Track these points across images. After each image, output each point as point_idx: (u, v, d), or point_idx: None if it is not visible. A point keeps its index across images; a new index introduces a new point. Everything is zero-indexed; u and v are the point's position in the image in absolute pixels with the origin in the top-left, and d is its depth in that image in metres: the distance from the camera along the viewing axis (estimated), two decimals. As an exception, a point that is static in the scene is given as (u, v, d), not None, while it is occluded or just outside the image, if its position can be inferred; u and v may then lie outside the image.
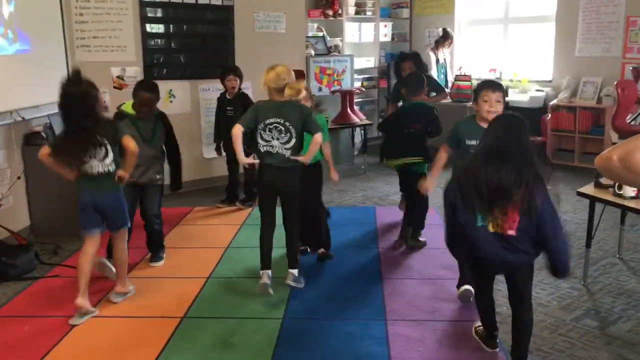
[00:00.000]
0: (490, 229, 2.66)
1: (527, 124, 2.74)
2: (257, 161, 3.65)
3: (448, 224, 2.80)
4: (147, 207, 4.19)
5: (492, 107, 3.36)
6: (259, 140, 3.59)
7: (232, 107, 5.51)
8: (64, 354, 3.13)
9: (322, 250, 4.34)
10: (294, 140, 3.56)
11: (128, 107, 4.05)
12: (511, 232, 2.64)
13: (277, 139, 3.55)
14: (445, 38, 8.05)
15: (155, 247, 4.35)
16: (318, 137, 3.56)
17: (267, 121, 3.55)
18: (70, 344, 3.22)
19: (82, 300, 3.46)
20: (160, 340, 3.23)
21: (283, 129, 3.55)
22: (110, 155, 3.42)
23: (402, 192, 5.01)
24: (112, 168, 3.45)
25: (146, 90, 4.01)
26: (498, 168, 2.56)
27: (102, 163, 3.40)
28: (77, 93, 3.28)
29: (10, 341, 3.26)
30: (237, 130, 3.55)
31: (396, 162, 4.47)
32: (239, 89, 5.55)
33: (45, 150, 3.39)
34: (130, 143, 3.45)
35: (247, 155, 3.66)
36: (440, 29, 8.11)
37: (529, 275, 2.86)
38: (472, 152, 2.99)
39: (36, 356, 3.08)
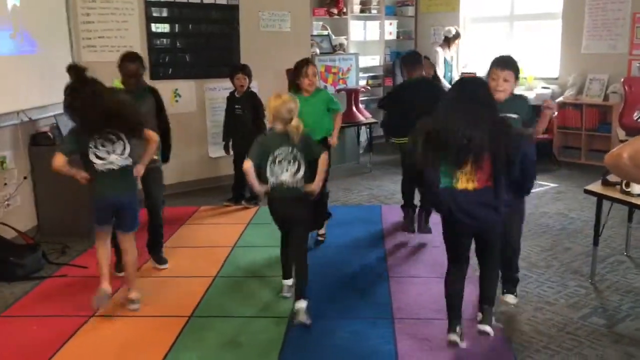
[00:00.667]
0: (459, 186, 2.75)
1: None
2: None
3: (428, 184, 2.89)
4: (151, 193, 4.08)
5: (499, 86, 3.21)
6: (268, 174, 3.46)
7: (240, 106, 5.54)
8: (72, 353, 3.14)
9: (322, 232, 4.54)
10: (302, 169, 3.45)
11: (117, 83, 4.07)
12: (479, 185, 2.77)
13: (287, 170, 3.42)
14: (456, 37, 8.04)
15: (159, 247, 4.27)
16: (324, 157, 3.55)
17: (276, 152, 3.43)
18: (78, 344, 3.23)
19: (106, 284, 3.53)
20: (167, 339, 3.24)
21: (291, 158, 3.43)
22: (128, 148, 3.40)
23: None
24: (130, 162, 3.43)
25: (130, 61, 3.97)
26: (468, 125, 2.66)
27: (121, 157, 3.38)
28: (90, 93, 3.25)
29: (19, 340, 3.28)
30: (248, 165, 3.44)
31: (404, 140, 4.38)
32: (248, 87, 5.55)
33: (61, 160, 3.27)
34: (151, 133, 3.49)
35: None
36: (453, 28, 8.08)
37: (499, 235, 3.00)
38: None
39: (45, 355, 3.09)
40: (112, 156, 3.35)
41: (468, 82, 3.12)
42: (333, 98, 4.53)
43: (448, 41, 8.02)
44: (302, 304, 3.39)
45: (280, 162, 3.42)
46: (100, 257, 3.56)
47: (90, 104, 3.22)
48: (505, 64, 3.29)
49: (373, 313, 3.51)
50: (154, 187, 4.08)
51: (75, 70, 3.32)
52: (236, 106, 5.57)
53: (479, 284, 3.16)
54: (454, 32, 8.02)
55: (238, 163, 5.63)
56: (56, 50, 5.15)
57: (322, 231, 4.66)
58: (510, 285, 3.54)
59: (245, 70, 5.56)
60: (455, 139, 2.66)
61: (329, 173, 4.09)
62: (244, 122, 5.47)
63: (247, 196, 5.72)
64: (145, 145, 3.53)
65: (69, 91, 3.29)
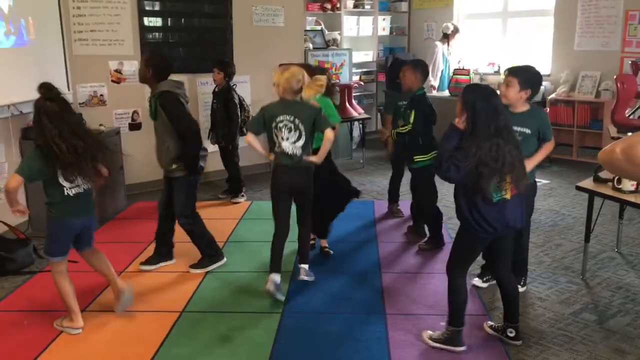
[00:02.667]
0: (507, 195, 2.84)
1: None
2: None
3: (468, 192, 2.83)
4: (172, 203, 3.99)
5: (501, 91, 3.27)
6: (274, 140, 3.54)
7: (216, 100, 5.63)
8: (63, 348, 3.13)
9: (325, 246, 4.36)
10: (303, 138, 3.48)
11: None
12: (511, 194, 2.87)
13: (287, 138, 3.47)
14: (455, 32, 8.07)
15: (200, 253, 4.12)
16: (329, 133, 3.52)
17: (278, 119, 3.49)
18: (69, 338, 3.22)
19: (81, 320, 3.33)
20: (159, 334, 3.23)
21: (292, 126, 3.47)
22: None
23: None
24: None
25: (142, 61, 4.04)
26: (505, 144, 2.76)
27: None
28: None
29: (10, 335, 3.26)
30: (250, 137, 3.58)
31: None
32: (226, 82, 5.54)
33: (18, 182, 3.03)
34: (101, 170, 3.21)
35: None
36: (451, 24, 8.10)
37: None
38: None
39: (35, 350, 3.08)
40: (79, 179, 3.13)
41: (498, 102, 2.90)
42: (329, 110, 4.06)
43: (447, 37, 8.04)
44: (305, 265, 3.79)
45: (280, 129, 3.51)
46: (68, 291, 3.26)
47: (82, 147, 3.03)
48: (511, 70, 3.38)
49: (365, 309, 3.51)
50: (174, 197, 3.95)
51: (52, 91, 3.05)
52: (213, 100, 5.68)
53: (507, 299, 3.11)
54: (452, 28, 8.04)
55: (221, 155, 5.77)
56: (48, 43, 5.11)
57: (325, 243, 4.39)
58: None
59: (221, 66, 5.53)
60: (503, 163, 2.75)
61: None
62: (217, 116, 5.59)
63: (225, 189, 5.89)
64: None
65: (55, 120, 2.99)
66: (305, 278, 3.76)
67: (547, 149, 3.42)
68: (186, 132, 3.80)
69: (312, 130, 3.54)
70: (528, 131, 3.29)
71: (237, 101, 5.55)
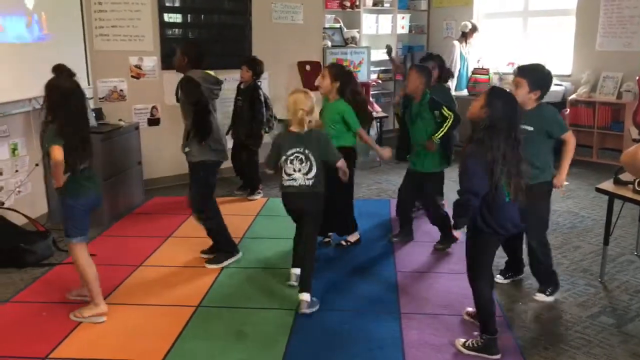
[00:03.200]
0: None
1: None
2: None
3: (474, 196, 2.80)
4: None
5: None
6: (283, 174, 3.52)
7: (242, 97, 5.63)
8: (80, 339, 3.16)
9: (348, 240, 4.45)
10: (314, 170, 3.46)
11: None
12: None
13: (299, 170, 3.46)
14: (473, 30, 7.99)
15: (213, 247, 4.18)
16: (341, 164, 3.59)
17: (289, 152, 3.48)
18: (86, 330, 3.25)
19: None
20: (175, 328, 3.25)
21: (303, 157, 3.46)
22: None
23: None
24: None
25: (178, 50, 4.16)
26: (515, 145, 2.83)
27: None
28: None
29: (29, 326, 3.30)
30: (270, 170, 3.70)
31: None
32: (253, 80, 5.56)
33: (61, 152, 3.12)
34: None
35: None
36: (469, 22, 8.04)
37: None
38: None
39: (53, 341, 3.12)
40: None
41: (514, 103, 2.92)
42: (345, 109, 4.14)
43: (465, 35, 7.98)
44: (304, 297, 3.44)
45: (292, 161, 3.47)
46: (91, 275, 3.32)
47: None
48: (520, 70, 3.37)
49: (380, 307, 3.51)
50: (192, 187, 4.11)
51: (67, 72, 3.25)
52: (238, 97, 5.68)
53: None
54: (470, 26, 7.97)
55: (234, 153, 5.77)
56: (69, 38, 5.16)
57: (353, 238, 4.48)
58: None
59: (250, 64, 5.56)
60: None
61: (351, 178, 4.11)
62: (242, 113, 5.58)
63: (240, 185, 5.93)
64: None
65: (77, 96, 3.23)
66: (306, 311, 3.41)
67: (567, 146, 3.42)
68: (196, 114, 3.91)
69: (322, 161, 3.51)
70: (530, 129, 3.25)
71: (262, 99, 5.56)
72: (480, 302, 2.99)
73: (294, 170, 3.46)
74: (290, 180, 3.48)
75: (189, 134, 3.95)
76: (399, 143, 4.88)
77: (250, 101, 5.52)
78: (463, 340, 3.07)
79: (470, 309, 3.30)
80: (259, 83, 5.64)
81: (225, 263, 4.09)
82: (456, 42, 8.00)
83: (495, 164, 2.74)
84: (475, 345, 3.01)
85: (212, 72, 4.13)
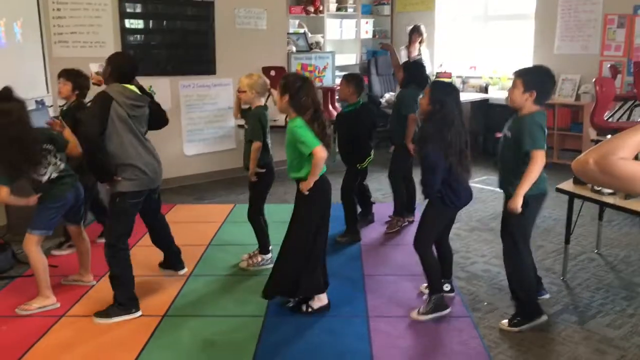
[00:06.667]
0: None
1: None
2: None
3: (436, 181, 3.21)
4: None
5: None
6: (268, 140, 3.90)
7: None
8: (41, 354, 3.08)
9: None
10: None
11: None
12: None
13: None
14: (412, 33, 8.00)
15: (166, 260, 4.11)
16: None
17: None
18: (48, 344, 3.18)
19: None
20: (140, 339, 3.20)
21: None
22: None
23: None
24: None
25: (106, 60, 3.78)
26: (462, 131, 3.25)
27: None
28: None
29: (-13, 341, 3.21)
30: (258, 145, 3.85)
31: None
32: (77, 98, 4.31)
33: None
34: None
35: None
36: (411, 25, 8.09)
37: None
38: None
39: (13, 356, 3.03)
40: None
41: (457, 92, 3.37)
42: (298, 132, 3.21)
43: (409, 41, 8.00)
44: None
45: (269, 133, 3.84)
46: (42, 266, 3.54)
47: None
48: (517, 71, 3.23)
49: (348, 311, 3.51)
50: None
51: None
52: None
53: (445, 259, 3.67)
54: (409, 29, 7.97)
55: None
56: (27, 45, 5.05)
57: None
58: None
59: (65, 75, 4.32)
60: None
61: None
62: None
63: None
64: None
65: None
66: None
67: (530, 165, 3.05)
68: (82, 138, 3.44)
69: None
70: (509, 134, 3.22)
71: None
72: (427, 264, 3.38)
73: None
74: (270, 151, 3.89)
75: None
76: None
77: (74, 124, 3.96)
78: (416, 310, 3.39)
79: (424, 285, 3.62)
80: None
81: (116, 319, 3.41)
82: (402, 48, 8.04)
83: (448, 149, 3.14)
84: (429, 308, 3.36)
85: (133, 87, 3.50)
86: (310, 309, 3.45)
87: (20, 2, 5.02)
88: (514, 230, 3.25)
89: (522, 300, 3.31)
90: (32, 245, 3.46)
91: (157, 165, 3.53)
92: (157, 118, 3.68)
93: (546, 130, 3.17)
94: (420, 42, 7.95)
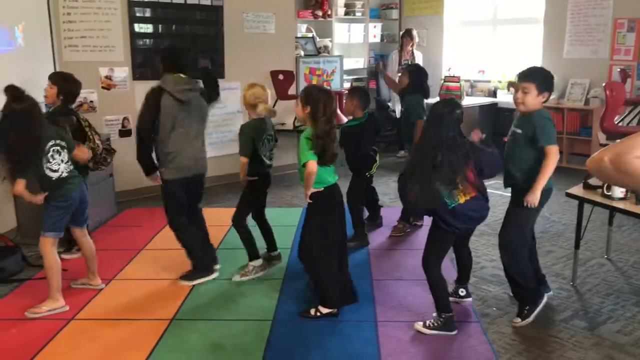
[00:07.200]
0: (461, 200, 3.10)
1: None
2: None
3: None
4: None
5: (517, 99, 3.23)
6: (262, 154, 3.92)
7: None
8: (50, 358, 3.09)
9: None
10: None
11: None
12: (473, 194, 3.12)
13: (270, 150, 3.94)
14: (403, 37, 7.99)
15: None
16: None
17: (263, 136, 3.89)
18: (57, 347, 3.19)
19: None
20: (149, 342, 3.20)
21: (270, 137, 3.92)
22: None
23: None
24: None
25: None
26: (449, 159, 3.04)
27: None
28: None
29: (-3, 344, 3.22)
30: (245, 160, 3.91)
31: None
32: (62, 102, 4.14)
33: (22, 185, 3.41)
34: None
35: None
36: (405, 29, 8.09)
37: None
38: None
39: (23, 359, 3.04)
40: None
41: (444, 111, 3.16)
42: (302, 142, 3.38)
43: (402, 44, 7.99)
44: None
45: (264, 143, 3.91)
46: (56, 268, 3.59)
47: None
48: (524, 75, 3.23)
49: (357, 316, 3.50)
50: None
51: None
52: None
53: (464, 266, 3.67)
54: (401, 33, 7.98)
55: None
56: (37, 49, 5.08)
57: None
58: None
59: (54, 78, 4.18)
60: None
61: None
62: None
63: None
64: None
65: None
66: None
67: (547, 160, 3.14)
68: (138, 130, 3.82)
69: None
70: (519, 131, 3.23)
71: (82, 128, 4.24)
72: (434, 285, 3.28)
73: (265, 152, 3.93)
74: (265, 161, 3.95)
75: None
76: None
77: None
78: (421, 322, 3.30)
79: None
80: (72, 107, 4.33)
81: (197, 282, 3.95)
82: (394, 53, 8.01)
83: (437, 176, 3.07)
84: (436, 324, 3.27)
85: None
86: (319, 314, 3.47)
87: (30, 6, 5.06)
88: (519, 220, 3.34)
89: (522, 286, 3.38)
90: (47, 247, 3.51)
91: (199, 158, 3.97)
92: (210, 90, 4.12)
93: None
94: (412, 46, 7.95)
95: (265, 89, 3.94)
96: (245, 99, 3.91)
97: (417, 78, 4.99)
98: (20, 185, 3.33)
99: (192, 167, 3.92)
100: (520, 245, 3.38)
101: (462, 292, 3.62)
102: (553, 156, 3.16)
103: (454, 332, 3.25)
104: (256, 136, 3.88)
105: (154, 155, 3.89)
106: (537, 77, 3.18)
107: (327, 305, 3.47)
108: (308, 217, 3.48)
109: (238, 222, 4.02)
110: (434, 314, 3.32)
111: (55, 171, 3.45)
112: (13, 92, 3.37)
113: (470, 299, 3.64)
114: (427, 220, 4.47)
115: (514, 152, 3.29)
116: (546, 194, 3.26)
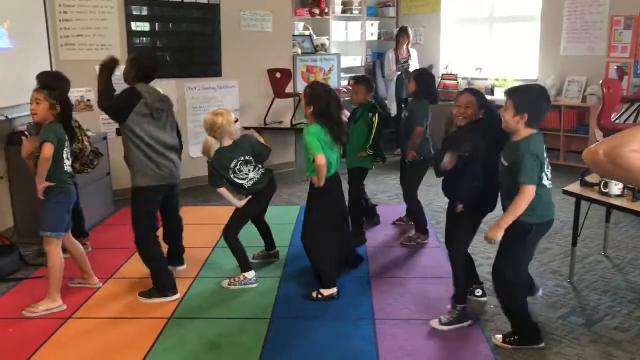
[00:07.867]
0: None
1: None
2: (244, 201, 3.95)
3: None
4: None
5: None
6: (238, 180, 3.84)
7: None
8: (49, 357, 3.09)
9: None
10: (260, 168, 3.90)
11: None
12: None
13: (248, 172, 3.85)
14: (399, 36, 7.98)
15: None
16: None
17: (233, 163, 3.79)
18: (55, 346, 3.18)
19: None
20: (147, 341, 3.20)
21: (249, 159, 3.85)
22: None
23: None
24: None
25: (127, 61, 4.09)
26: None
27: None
28: None
29: (-6, 343, 3.22)
30: (222, 190, 3.90)
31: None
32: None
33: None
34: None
35: None
36: (402, 27, 8.09)
37: None
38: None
39: (20, 358, 3.04)
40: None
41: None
42: (307, 139, 3.57)
43: (397, 43, 7.97)
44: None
45: (241, 169, 3.83)
46: (60, 268, 3.57)
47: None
48: (507, 91, 2.99)
49: (354, 314, 3.50)
50: None
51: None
52: None
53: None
54: (396, 31, 7.98)
55: None
56: (34, 47, 5.07)
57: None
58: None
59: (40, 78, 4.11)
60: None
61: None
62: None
63: None
64: None
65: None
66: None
67: (519, 197, 2.84)
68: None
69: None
70: (505, 163, 2.97)
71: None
72: (460, 270, 3.32)
73: (249, 172, 3.83)
74: (249, 181, 3.84)
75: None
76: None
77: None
78: (437, 320, 3.30)
79: None
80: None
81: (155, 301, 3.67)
82: (391, 52, 8.00)
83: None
84: (452, 318, 3.28)
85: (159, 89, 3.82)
86: (320, 296, 3.65)
87: (26, 5, 5.04)
88: (511, 255, 3.05)
89: (515, 322, 3.14)
90: (52, 245, 3.49)
91: (172, 166, 3.80)
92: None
93: (545, 153, 2.96)
94: (408, 44, 7.94)
95: (230, 114, 3.86)
96: (211, 130, 3.85)
97: (424, 83, 4.74)
98: (48, 148, 3.39)
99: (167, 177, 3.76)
100: (510, 283, 3.08)
101: (478, 292, 3.61)
102: (526, 195, 2.83)
103: (469, 322, 3.31)
104: (222, 167, 3.79)
105: None
106: (516, 95, 2.90)
107: (326, 286, 3.66)
108: (309, 201, 3.77)
109: (229, 237, 3.93)
110: (448, 307, 3.36)
111: (67, 159, 3.61)
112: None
113: (485, 299, 3.59)
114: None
115: (503, 183, 3.05)
116: (544, 227, 3.07)
